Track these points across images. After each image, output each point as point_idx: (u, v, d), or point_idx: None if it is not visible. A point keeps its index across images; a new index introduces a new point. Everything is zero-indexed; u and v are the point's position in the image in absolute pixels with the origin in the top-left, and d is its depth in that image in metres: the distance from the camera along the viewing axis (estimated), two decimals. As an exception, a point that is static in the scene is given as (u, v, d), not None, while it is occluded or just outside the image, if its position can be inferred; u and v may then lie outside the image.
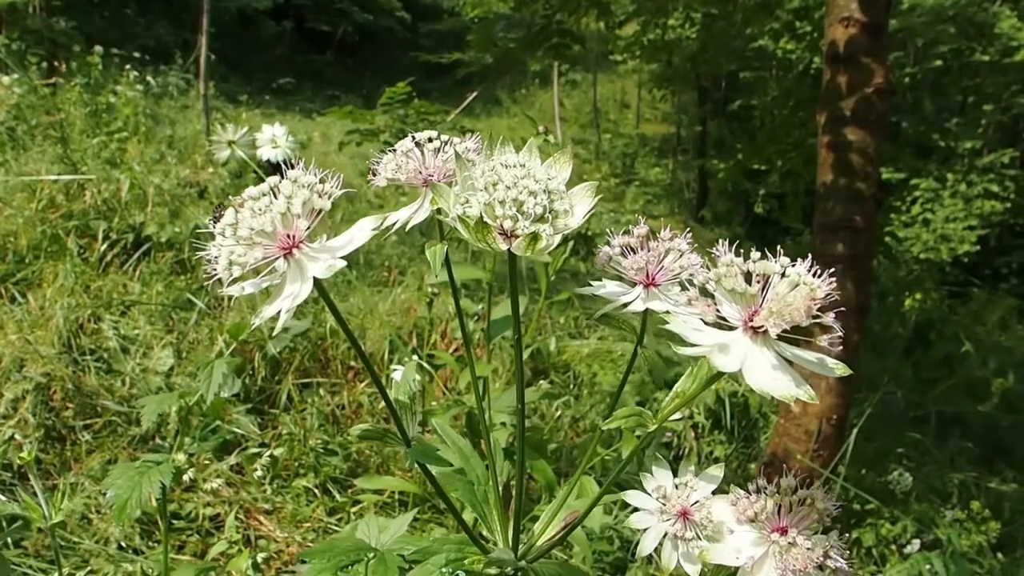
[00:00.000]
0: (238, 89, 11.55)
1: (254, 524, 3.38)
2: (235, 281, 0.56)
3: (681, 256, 0.62)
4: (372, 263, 5.48)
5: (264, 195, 0.59)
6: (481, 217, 0.57)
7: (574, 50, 7.50)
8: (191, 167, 5.83)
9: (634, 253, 0.67)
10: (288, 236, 0.57)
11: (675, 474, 0.68)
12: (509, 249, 0.59)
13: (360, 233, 0.60)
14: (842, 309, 0.52)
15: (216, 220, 0.62)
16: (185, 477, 1.44)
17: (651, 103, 12.60)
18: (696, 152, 10.87)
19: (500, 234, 0.58)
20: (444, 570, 0.67)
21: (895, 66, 9.68)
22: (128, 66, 6.99)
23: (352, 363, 4.37)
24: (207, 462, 3.56)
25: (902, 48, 10.06)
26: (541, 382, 2.78)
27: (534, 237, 0.57)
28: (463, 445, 0.78)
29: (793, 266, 0.51)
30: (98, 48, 6.94)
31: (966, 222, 10.00)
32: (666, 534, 0.58)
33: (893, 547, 3.91)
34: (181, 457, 1.46)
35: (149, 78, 7.78)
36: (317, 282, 0.55)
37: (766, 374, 0.50)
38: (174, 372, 3.89)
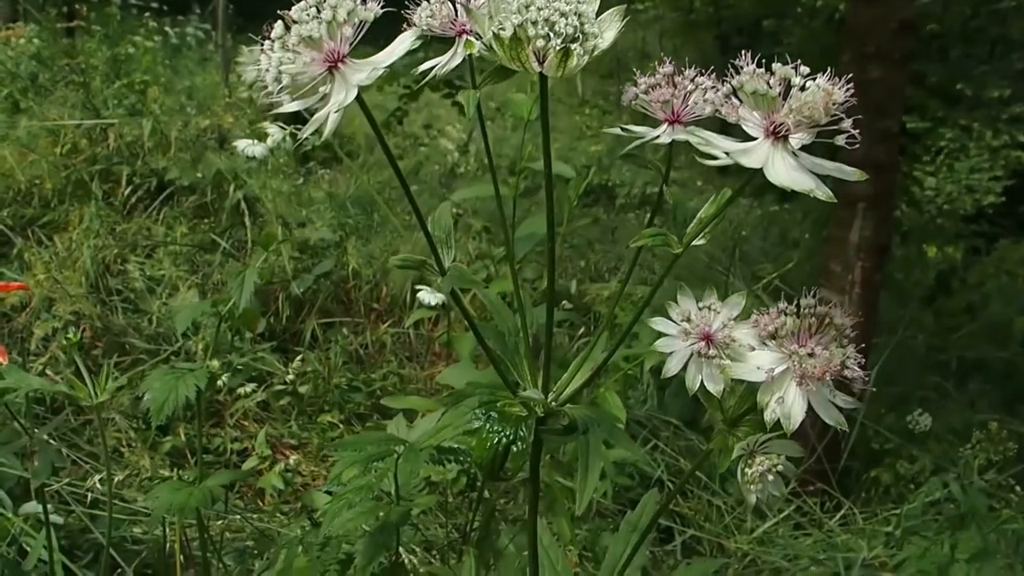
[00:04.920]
0: (256, 40, 11.51)
1: (281, 458, 3.46)
2: (283, 91, 0.59)
3: (706, 93, 0.64)
4: (393, 209, 5.50)
5: (312, 6, 0.62)
6: (515, 34, 0.59)
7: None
8: (211, 117, 5.85)
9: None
10: (333, 51, 0.60)
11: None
12: (541, 72, 0.61)
13: (399, 45, 0.63)
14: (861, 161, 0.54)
15: (266, 37, 0.65)
16: (219, 382, 1.49)
17: (673, 52, 12.47)
18: (715, 121, 10.71)
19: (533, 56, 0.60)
20: (477, 411, 0.71)
21: (922, 14, 9.47)
22: (147, 14, 7.00)
23: (375, 305, 4.43)
24: (237, 395, 3.64)
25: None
26: (564, 302, 2.81)
27: (566, 53, 0.59)
28: (494, 299, 0.81)
29: (813, 79, 0.54)
30: (116, -2, 6.93)
31: (991, 172, 9.85)
32: (690, 356, 0.61)
33: (912, 486, 3.94)
34: (215, 363, 1.50)
35: (167, 28, 7.77)
36: (358, 95, 0.58)
37: (786, 172, 0.53)
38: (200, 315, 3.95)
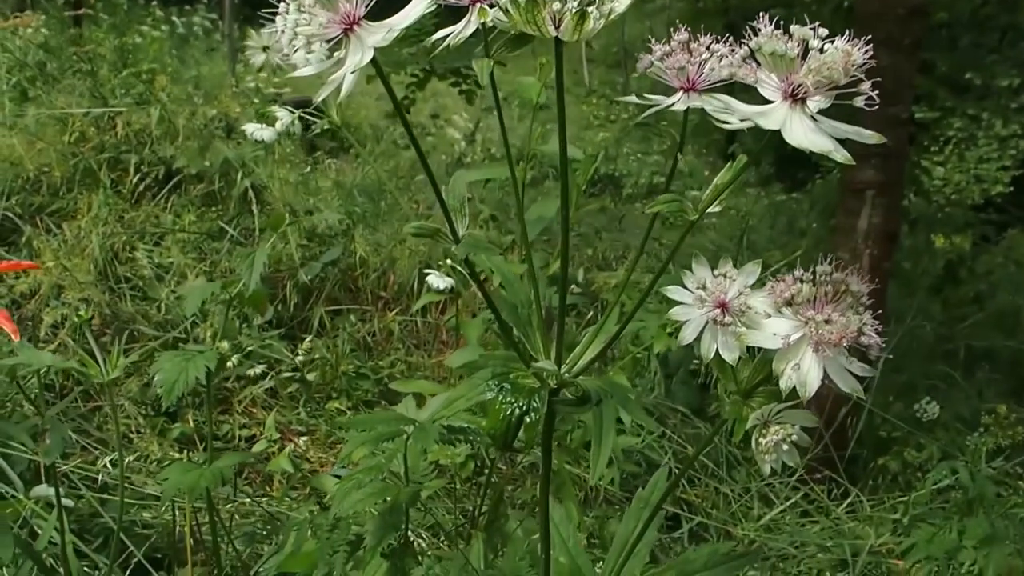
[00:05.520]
0: (263, 25, 11.50)
1: (289, 444, 3.48)
2: (298, 51, 0.59)
3: (721, 60, 0.64)
4: (400, 198, 5.51)
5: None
6: (531, -3, 0.59)
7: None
8: (217, 106, 5.85)
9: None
10: (349, 14, 0.60)
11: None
12: (557, 37, 0.61)
13: (414, 8, 0.62)
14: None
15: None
16: (229, 364, 1.49)
17: (679, 42, 12.36)
18: (725, 90, 10.68)
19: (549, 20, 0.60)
20: (490, 382, 0.71)
21: (932, 2, 9.40)
22: (154, 3, 7.00)
23: (382, 293, 4.43)
24: (245, 382, 3.65)
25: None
26: (573, 286, 2.81)
27: (582, 17, 0.59)
28: (507, 271, 0.81)
29: (831, 41, 0.53)
30: (123, -13, 6.92)
31: (1000, 162, 9.81)
32: (706, 324, 0.61)
33: (919, 474, 3.93)
34: (225, 344, 1.50)
35: (174, 18, 7.76)
36: (374, 59, 0.58)
37: (804, 134, 0.52)
38: (208, 299, 3.95)
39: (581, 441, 2.54)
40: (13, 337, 1.06)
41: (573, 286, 2.77)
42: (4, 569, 1.88)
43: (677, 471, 3.64)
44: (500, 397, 0.71)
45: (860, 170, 3.77)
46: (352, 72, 0.53)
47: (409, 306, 4.30)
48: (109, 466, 2.65)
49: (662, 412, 3.82)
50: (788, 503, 3.54)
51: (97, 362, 1.16)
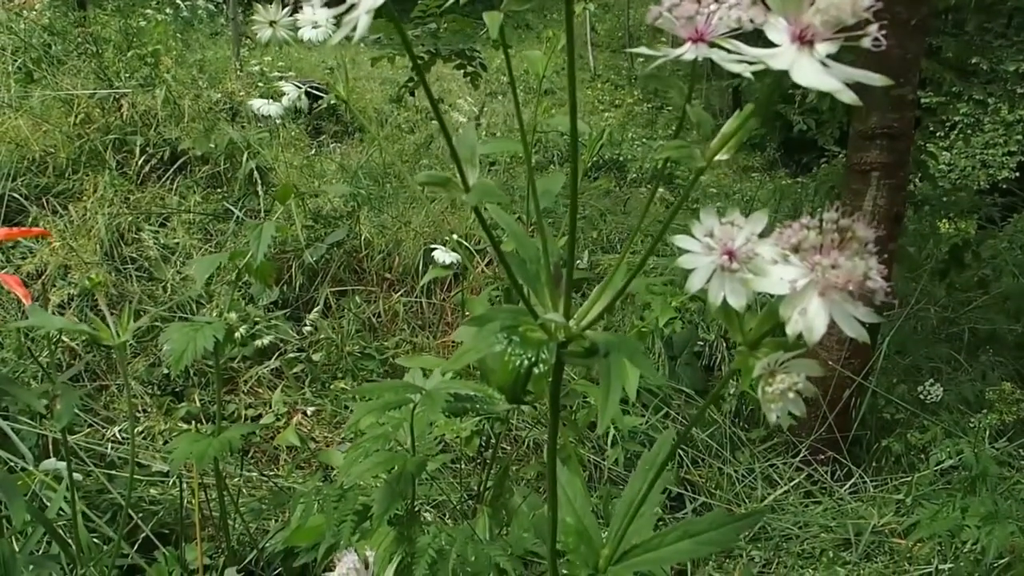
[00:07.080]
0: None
1: (296, 416, 3.50)
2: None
3: (731, 9, 0.64)
4: (404, 181, 5.51)
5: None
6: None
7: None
8: (222, 90, 5.85)
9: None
10: None
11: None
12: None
13: None
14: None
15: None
16: (237, 335, 1.50)
17: (684, 26, 12.33)
18: (729, 75, 10.65)
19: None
20: (499, 335, 0.71)
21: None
22: (158, -15, 6.99)
23: (387, 274, 4.45)
24: (249, 365, 3.67)
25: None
26: (578, 261, 2.82)
27: (593, -39, 0.59)
28: (516, 228, 0.82)
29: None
30: (127, -30, 6.90)
31: (1006, 148, 9.77)
32: (713, 271, 0.61)
33: (922, 455, 3.95)
34: (233, 316, 1.51)
35: (178, 1, 7.75)
36: (387, 5, 0.58)
37: (813, 74, 0.53)
38: (214, 279, 3.96)
39: (587, 420, 2.55)
40: (25, 301, 1.07)
41: (578, 262, 2.78)
42: (14, 538, 1.90)
43: (681, 451, 3.66)
44: (509, 349, 0.71)
45: (865, 151, 3.77)
46: (367, 12, 0.54)
47: (414, 287, 4.31)
48: (118, 435, 2.67)
49: (667, 393, 3.84)
50: (792, 484, 3.56)
51: (108, 326, 1.17)
